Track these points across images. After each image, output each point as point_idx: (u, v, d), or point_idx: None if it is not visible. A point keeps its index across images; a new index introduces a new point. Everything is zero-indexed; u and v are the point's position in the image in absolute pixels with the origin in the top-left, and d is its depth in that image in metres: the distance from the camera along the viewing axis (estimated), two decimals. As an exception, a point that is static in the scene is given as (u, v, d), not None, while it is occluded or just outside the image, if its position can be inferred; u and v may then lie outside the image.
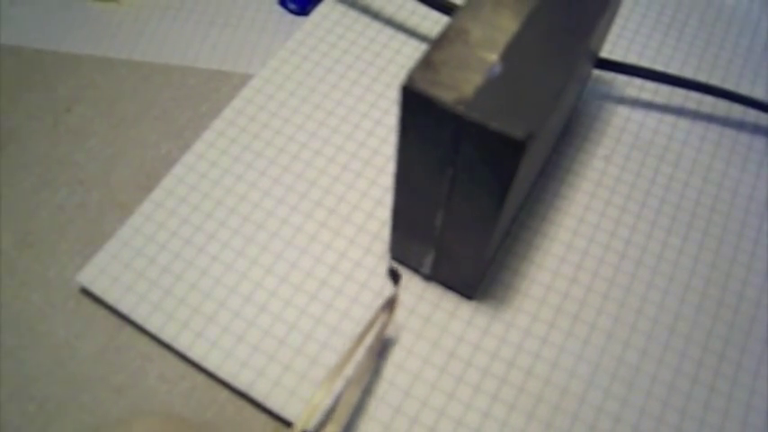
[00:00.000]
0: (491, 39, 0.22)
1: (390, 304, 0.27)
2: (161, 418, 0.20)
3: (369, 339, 0.27)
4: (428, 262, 0.29)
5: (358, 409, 0.27)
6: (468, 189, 0.23)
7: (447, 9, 0.35)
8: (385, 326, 0.27)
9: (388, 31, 0.38)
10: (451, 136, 0.22)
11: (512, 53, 0.22)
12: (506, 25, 0.23)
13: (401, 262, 0.30)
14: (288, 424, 0.27)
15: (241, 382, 0.28)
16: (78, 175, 0.33)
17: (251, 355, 0.28)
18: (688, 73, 0.37)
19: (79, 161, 0.34)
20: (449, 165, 0.23)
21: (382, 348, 0.28)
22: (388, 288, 0.30)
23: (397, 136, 0.23)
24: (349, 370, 0.27)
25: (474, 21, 0.23)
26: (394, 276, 0.27)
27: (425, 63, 0.21)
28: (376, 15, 0.38)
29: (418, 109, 0.21)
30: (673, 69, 0.37)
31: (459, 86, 0.21)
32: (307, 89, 0.35)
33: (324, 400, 0.24)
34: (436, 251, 0.28)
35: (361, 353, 0.27)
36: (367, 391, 0.28)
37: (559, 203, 0.33)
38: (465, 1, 0.23)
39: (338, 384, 0.27)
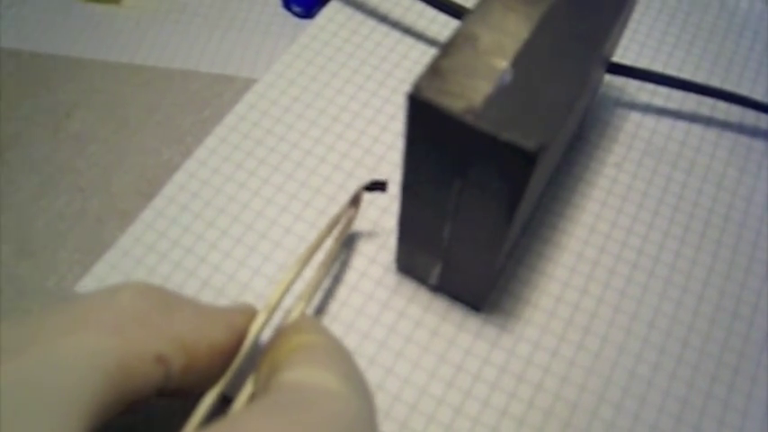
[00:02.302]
0: (501, 45, 0.22)
1: (356, 200, 0.29)
2: (146, 285, 0.21)
3: (336, 231, 0.28)
4: (435, 273, 0.28)
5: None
6: (477, 201, 0.22)
7: (456, 12, 0.35)
8: (351, 220, 0.29)
9: (396, 34, 0.37)
10: (460, 146, 0.21)
11: (523, 60, 0.21)
12: (517, 31, 0.22)
13: (407, 273, 0.30)
14: None
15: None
16: (78, 182, 0.33)
17: (253, 368, 0.28)
18: (701, 78, 0.36)
19: (79, 168, 0.33)
20: (457, 176, 0.22)
21: (347, 239, 0.31)
22: (395, 301, 0.29)
23: (403, 145, 0.22)
24: (317, 258, 0.28)
25: (483, 26, 0.22)
26: (379, 186, 0.29)
27: (433, 70, 0.21)
28: (383, 18, 0.37)
29: (425, 118, 0.21)
30: (685, 74, 0.36)
31: (468, 95, 0.20)
32: (311, 94, 0.35)
33: (292, 281, 0.25)
34: (444, 263, 0.27)
35: (328, 243, 0.28)
36: (372, 406, 0.27)
37: (570, 212, 0.32)
38: (474, 5, 0.23)
39: (306, 270, 0.28)
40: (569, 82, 0.21)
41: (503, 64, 0.21)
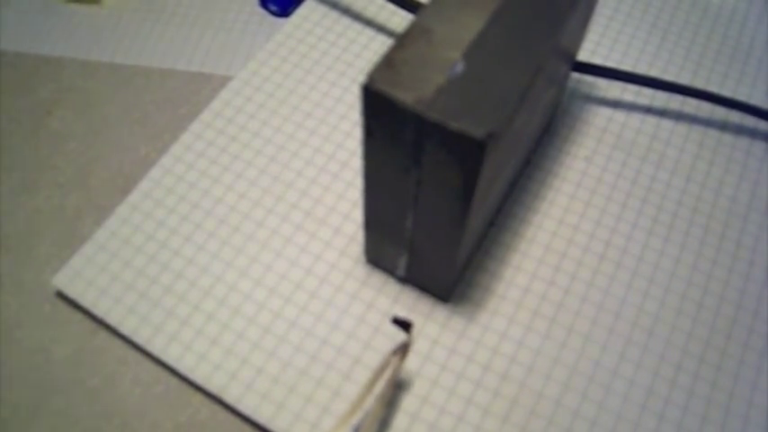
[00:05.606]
0: (455, 37, 0.22)
1: (403, 349, 0.26)
2: None
3: (379, 386, 0.26)
4: (402, 264, 0.28)
5: (329, 413, 0.27)
6: (435, 191, 0.23)
7: (411, 7, 0.35)
8: (396, 372, 0.26)
9: (369, 32, 0.37)
10: (414, 137, 0.21)
11: (475, 52, 0.22)
12: (471, 23, 0.23)
13: (376, 264, 0.30)
14: (260, 428, 0.27)
15: (214, 385, 0.28)
16: (57, 179, 0.33)
17: (224, 359, 0.28)
18: (671, 74, 0.37)
19: (59, 164, 0.34)
20: (414, 166, 0.22)
21: (393, 396, 0.27)
22: (364, 292, 0.30)
23: (362, 137, 0.23)
24: (356, 419, 0.26)
25: (438, 19, 0.23)
26: (403, 325, 0.26)
27: (386, 62, 0.21)
28: (357, 17, 0.38)
29: (379, 109, 0.21)
30: (656, 71, 0.37)
31: (420, 86, 0.21)
32: (285, 91, 0.35)
33: None
34: (409, 253, 0.27)
35: (370, 401, 0.26)
36: (338, 394, 0.27)
37: (538, 205, 0.32)
38: None
39: None
40: (521, 72, 0.22)
41: (455, 55, 0.22)
